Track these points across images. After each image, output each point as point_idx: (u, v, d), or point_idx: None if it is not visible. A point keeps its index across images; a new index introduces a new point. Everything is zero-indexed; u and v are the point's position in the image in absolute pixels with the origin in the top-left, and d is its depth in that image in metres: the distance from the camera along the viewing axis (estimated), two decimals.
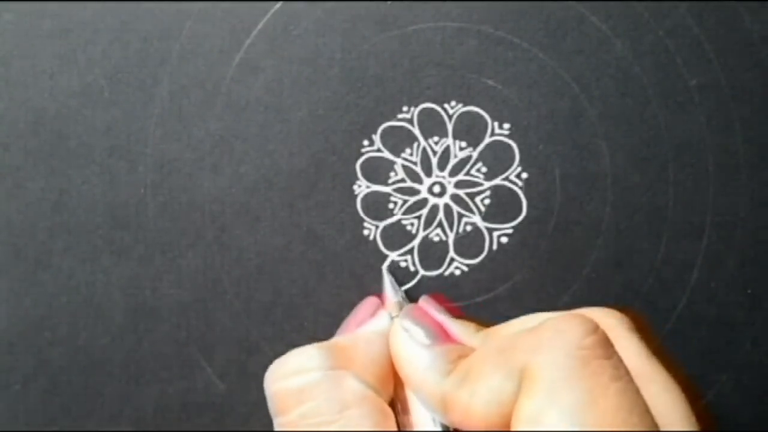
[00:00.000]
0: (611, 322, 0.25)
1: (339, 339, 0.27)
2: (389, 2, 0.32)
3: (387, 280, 0.31)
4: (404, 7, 0.32)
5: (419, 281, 0.32)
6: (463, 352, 0.25)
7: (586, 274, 0.32)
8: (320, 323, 0.32)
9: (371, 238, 0.32)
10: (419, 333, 0.26)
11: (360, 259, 0.32)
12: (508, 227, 0.32)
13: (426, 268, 0.32)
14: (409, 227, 0.32)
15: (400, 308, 0.28)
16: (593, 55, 0.32)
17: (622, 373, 0.21)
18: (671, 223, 0.32)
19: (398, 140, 0.32)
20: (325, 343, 0.26)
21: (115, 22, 0.32)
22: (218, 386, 0.32)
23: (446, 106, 0.32)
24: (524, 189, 0.32)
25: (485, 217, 0.32)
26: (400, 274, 0.32)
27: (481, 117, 0.32)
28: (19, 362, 0.32)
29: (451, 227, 0.32)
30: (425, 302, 0.28)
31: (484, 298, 0.32)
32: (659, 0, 0.31)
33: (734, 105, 0.32)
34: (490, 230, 0.32)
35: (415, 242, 0.32)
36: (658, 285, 0.32)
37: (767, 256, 0.32)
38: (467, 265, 0.32)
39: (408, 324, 0.26)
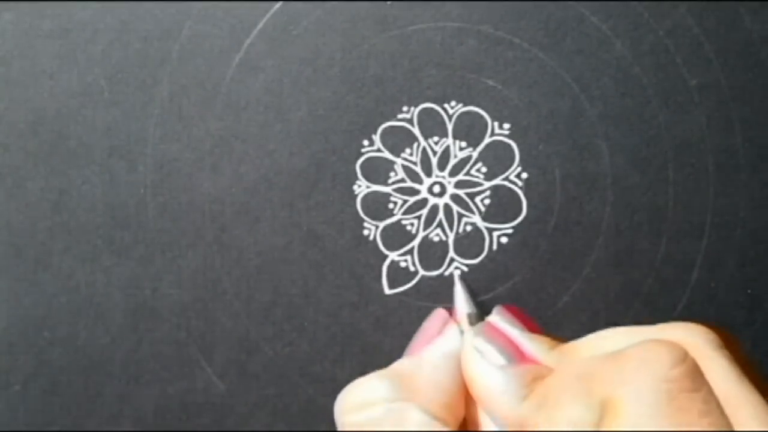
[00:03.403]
0: (696, 341, 0.23)
1: (404, 364, 0.26)
2: (389, 2, 0.32)
3: (459, 289, 0.30)
4: (404, 7, 0.32)
5: (419, 281, 0.32)
6: (539, 373, 0.24)
7: (586, 274, 0.32)
8: (320, 323, 0.32)
9: (371, 238, 0.32)
10: (493, 353, 0.25)
11: (360, 259, 0.32)
12: (508, 227, 0.32)
13: (426, 268, 0.32)
14: (409, 227, 0.32)
15: (472, 321, 0.27)
16: (593, 55, 0.32)
17: (712, 408, 0.20)
18: (671, 223, 0.32)
19: (398, 140, 0.32)
20: (389, 371, 0.25)
21: (115, 22, 0.32)
22: (218, 386, 0.32)
23: (446, 106, 0.32)
24: (524, 189, 0.32)
25: (485, 217, 0.32)
26: (400, 275, 0.32)
27: (481, 117, 0.32)
28: (19, 362, 0.32)
29: (451, 227, 0.32)
30: (498, 315, 0.27)
31: (484, 298, 0.32)
32: (659, 0, 0.31)
33: (734, 105, 0.32)
34: (490, 230, 0.32)
35: (415, 242, 0.32)
36: (658, 285, 0.32)
37: (767, 256, 0.32)
38: (467, 265, 0.32)
39: (481, 344, 0.25)
